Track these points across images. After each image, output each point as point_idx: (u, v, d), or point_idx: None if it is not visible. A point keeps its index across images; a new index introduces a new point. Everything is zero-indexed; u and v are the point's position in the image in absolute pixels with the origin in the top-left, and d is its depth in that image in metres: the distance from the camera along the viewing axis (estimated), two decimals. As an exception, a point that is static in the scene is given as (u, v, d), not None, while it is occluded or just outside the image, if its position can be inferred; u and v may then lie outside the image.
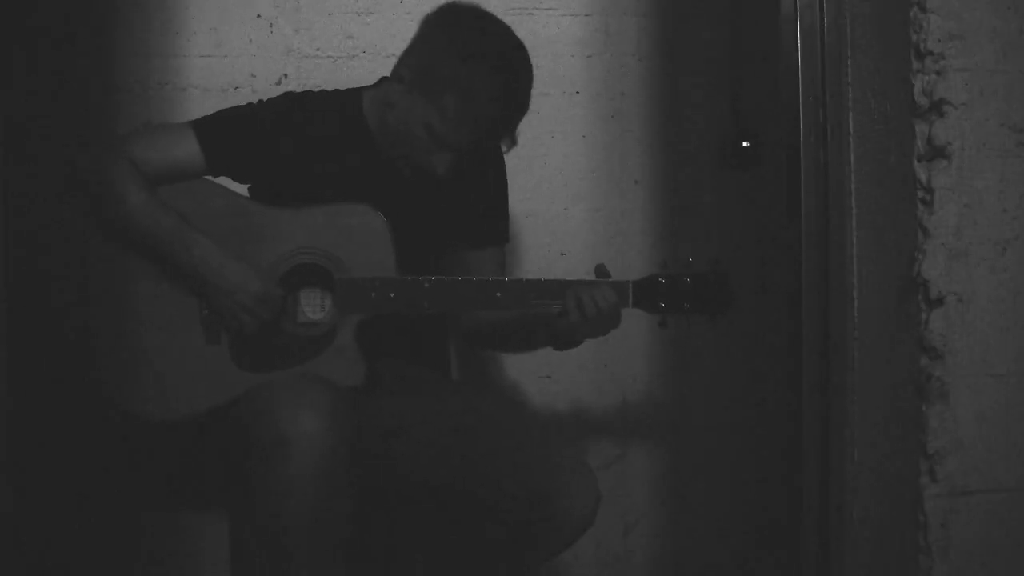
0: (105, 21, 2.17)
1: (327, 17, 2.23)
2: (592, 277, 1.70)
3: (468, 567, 1.74)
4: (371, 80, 1.86)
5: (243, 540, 1.68)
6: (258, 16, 2.23)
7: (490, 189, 1.92)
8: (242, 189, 1.80)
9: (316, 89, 1.86)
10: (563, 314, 1.67)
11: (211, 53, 2.20)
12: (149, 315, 1.70)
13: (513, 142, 1.77)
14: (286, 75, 2.23)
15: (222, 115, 1.76)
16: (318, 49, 2.25)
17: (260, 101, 1.79)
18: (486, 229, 1.91)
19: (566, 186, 2.32)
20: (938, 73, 1.57)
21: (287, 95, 1.81)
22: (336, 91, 1.86)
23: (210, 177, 1.75)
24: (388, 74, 1.77)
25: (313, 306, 1.73)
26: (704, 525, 2.40)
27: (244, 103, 1.79)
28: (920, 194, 1.58)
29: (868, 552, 1.71)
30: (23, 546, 2.00)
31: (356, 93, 1.83)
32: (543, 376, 2.33)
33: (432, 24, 1.73)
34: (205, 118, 1.75)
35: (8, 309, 1.67)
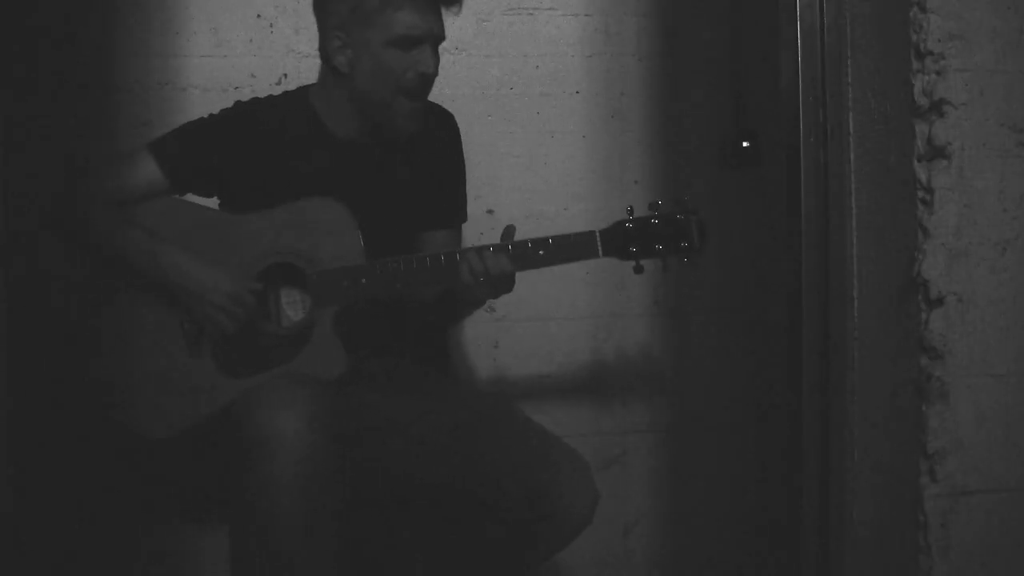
0: (105, 21, 2.17)
1: (327, 17, 2.23)
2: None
3: (467, 567, 1.74)
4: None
5: (241, 541, 1.68)
6: (258, 16, 2.22)
7: (447, 166, 1.93)
8: (212, 203, 1.83)
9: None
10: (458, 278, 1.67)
11: (211, 53, 2.20)
12: (135, 335, 1.73)
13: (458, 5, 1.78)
14: (286, 75, 2.22)
15: (176, 133, 1.81)
16: (318, 49, 2.24)
17: (211, 114, 1.83)
18: (439, 210, 1.91)
19: (566, 186, 2.32)
20: (938, 73, 1.57)
21: (237, 103, 1.86)
22: (284, 92, 1.90)
23: (176, 196, 1.79)
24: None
25: (293, 304, 1.74)
26: (704, 525, 2.40)
27: (196, 117, 1.83)
28: (920, 194, 1.58)
29: (868, 552, 1.71)
30: (23, 546, 2.00)
31: (302, 90, 1.88)
32: (542, 375, 2.33)
33: None
34: (160, 138, 1.80)
35: (8, 309, 1.68)
